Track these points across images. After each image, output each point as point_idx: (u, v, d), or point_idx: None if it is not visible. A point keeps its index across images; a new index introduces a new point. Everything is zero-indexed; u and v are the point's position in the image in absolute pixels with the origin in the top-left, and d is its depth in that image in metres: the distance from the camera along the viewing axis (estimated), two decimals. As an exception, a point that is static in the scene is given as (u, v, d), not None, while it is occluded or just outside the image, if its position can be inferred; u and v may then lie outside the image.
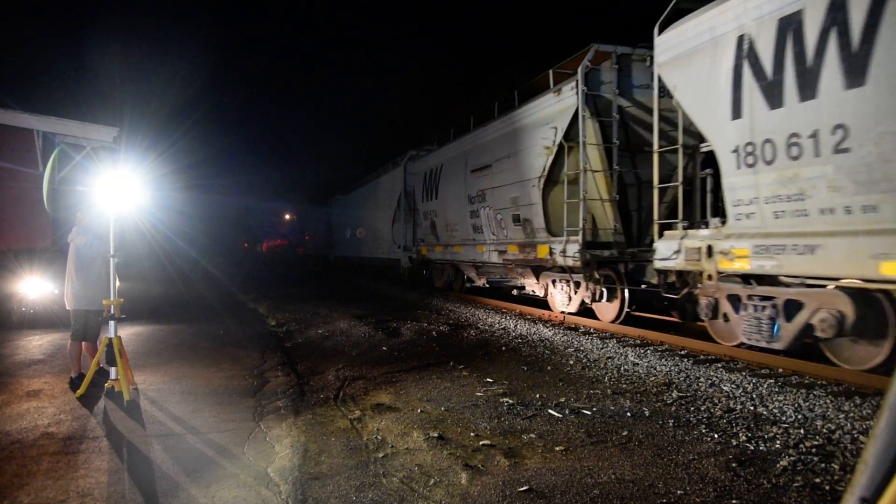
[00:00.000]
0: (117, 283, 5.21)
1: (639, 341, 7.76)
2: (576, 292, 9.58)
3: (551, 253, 9.30)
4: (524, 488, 3.21)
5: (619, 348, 7.25)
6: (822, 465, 3.50)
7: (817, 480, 3.28)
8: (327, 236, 32.41)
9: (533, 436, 4.10)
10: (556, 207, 9.42)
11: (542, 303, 11.00)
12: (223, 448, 3.92)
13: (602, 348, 7.30)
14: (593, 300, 9.01)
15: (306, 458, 3.72)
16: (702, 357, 6.70)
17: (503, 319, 9.91)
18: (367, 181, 23.13)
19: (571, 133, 8.82)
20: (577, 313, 9.68)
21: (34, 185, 9.05)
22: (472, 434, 4.15)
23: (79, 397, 5.05)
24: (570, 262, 8.81)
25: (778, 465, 3.50)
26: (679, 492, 3.16)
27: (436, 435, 4.10)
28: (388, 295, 15.40)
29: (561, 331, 8.63)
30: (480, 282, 13.66)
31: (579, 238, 8.61)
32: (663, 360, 6.55)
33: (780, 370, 6.00)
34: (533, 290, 11.34)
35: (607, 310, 9.07)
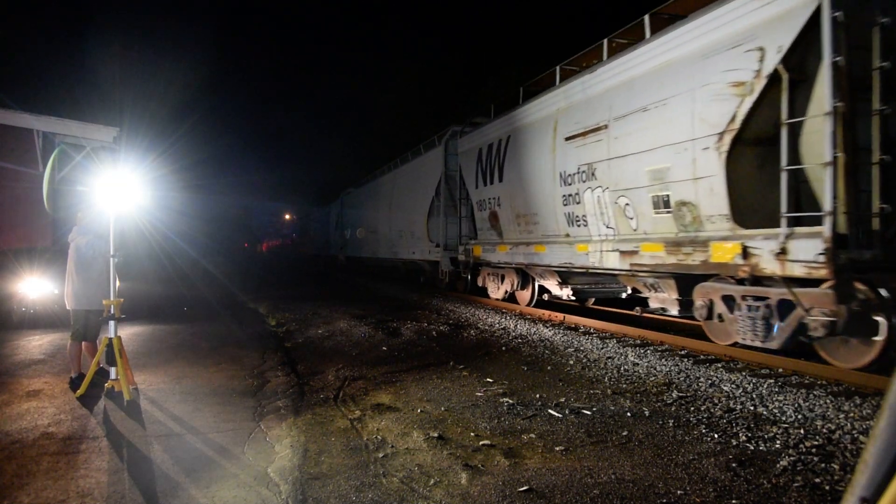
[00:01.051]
0: (117, 282, 5.22)
1: (639, 341, 7.75)
2: (780, 318, 5.88)
3: (745, 255, 5.88)
4: (524, 488, 3.21)
5: (619, 348, 7.25)
6: (822, 465, 3.50)
7: (817, 480, 3.28)
8: (337, 235, 29.17)
9: (533, 436, 4.11)
10: (748, 181, 6.08)
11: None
12: (223, 448, 3.92)
13: (602, 348, 7.30)
14: (830, 333, 5.34)
15: (306, 458, 3.72)
16: (702, 357, 6.70)
17: (503, 319, 9.91)
18: (390, 168, 19.91)
19: (794, 56, 5.43)
20: (783, 352, 6.10)
21: (34, 185, 9.08)
22: (472, 434, 4.15)
23: (79, 397, 5.05)
24: (799, 271, 5.35)
25: (778, 465, 3.50)
26: (679, 492, 3.16)
27: (436, 435, 4.10)
28: (388, 295, 15.42)
29: (561, 331, 8.63)
30: (563, 293, 10.25)
31: (825, 229, 5.10)
32: (663, 360, 6.55)
33: (780, 370, 5.99)
34: (664, 308, 7.83)
35: (853, 353, 5.55)
